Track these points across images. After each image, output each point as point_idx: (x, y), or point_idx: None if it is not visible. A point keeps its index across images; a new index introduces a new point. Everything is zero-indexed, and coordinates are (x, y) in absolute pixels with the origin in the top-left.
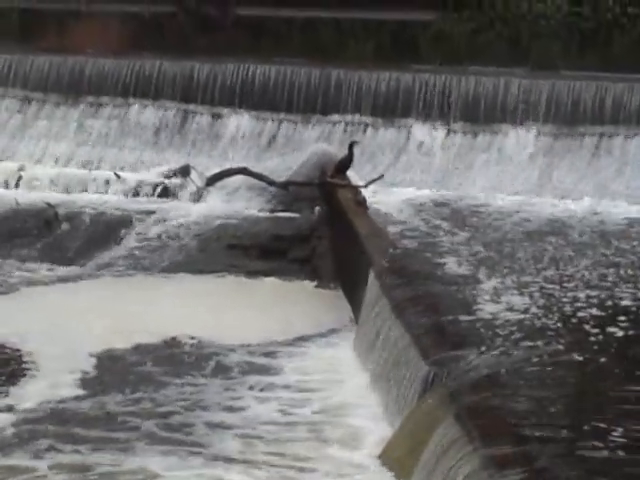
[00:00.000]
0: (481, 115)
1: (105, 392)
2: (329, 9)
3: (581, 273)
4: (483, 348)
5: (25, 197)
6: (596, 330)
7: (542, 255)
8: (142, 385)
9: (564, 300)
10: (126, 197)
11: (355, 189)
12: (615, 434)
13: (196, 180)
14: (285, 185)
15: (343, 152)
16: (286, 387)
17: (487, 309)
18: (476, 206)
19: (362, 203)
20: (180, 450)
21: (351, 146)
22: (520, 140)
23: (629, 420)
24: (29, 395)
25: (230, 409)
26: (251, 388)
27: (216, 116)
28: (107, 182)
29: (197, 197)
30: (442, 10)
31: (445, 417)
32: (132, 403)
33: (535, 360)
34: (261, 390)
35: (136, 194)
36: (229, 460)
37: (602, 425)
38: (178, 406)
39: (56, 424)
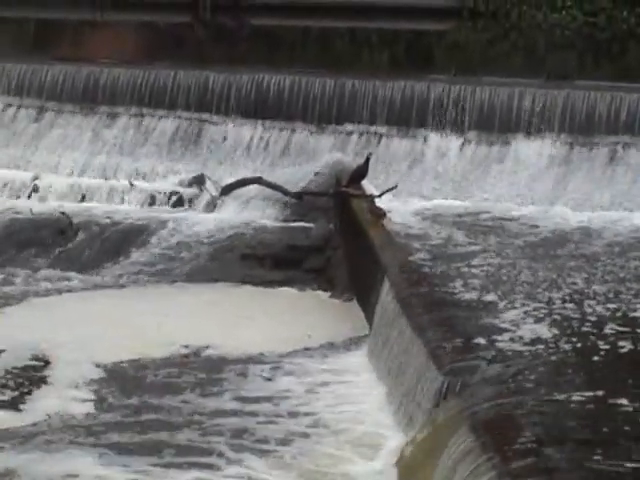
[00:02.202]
0: (496, 125)
1: (115, 402)
2: (344, 19)
3: (596, 286)
4: (498, 358)
5: (40, 206)
6: (615, 344)
7: (557, 267)
8: (155, 396)
9: (581, 314)
10: (141, 206)
11: (370, 199)
12: (635, 449)
13: (211, 190)
14: (300, 195)
15: (357, 162)
16: (300, 396)
17: (502, 320)
18: (491, 216)
19: (379, 213)
20: (191, 464)
21: (367, 159)
22: (535, 150)
23: None
24: (39, 404)
25: (244, 419)
26: (265, 397)
27: (230, 126)
28: (122, 191)
29: (212, 207)
30: (457, 20)
31: (460, 427)
32: (143, 414)
33: (551, 371)
34: (275, 399)
35: (151, 204)
36: (250, 471)
37: (620, 439)
38: (189, 418)
39: (68, 432)
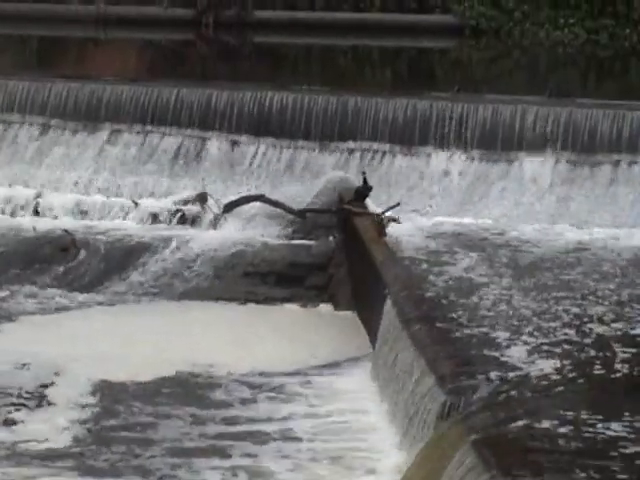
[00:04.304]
0: (498, 143)
1: (107, 422)
2: (346, 36)
3: (599, 307)
4: (501, 377)
5: (42, 224)
6: (619, 366)
7: (561, 285)
8: (156, 415)
9: (584, 334)
10: (143, 224)
11: (373, 216)
12: (635, 468)
13: (213, 207)
14: (302, 212)
15: (360, 179)
16: (303, 415)
17: (506, 338)
18: (493, 234)
19: (380, 231)
20: None
21: (364, 179)
22: (537, 168)
23: None
24: (29, 423)
25: (247, 437)
26: (268, 417)
27: (234, 143)
28: (125, 209)
29: (214, 224)
30: (459, 37)
31: (462, 445)
32: (143, 434)
33: (553, 389)
34: (276, 417)
35: (153, 221)
36: None
37: (623, 457)
38: (182, 439)
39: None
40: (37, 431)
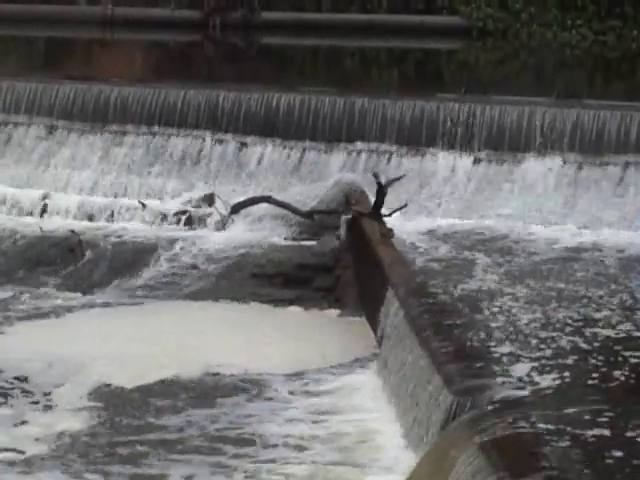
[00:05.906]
0: (506, 144)
1: (116, 424)
2: (353, 37)
3: (607, 309)
4: (508, 377)
5: (49, 225)
6: (627, 369)
7: (568, 288)
8: (162, 417)
9: (592, 338)
10: (150, 225)
11: (380, 218)
12: None
13: (220, 208)
14: (309, 214)
15: (365, 179)
16: (308, 415)
17: (514, 339)
18: (500, 235)
19: (387, 233)
20: None
21: (378, 184)
22: (545, 169)
23: None
24: (23, 427)
25: (256, 438)
26: (273, 417)
27: (241, 145)
28: (132, 210)
29: (221, 225)
30: (466, 39)
31: (469, 446)
32: (150, 438)
33: (562, 392)
34: (282, 418)
35: (161, 222)
36: None
37: (631, 459)
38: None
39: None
40: (33, 434)
